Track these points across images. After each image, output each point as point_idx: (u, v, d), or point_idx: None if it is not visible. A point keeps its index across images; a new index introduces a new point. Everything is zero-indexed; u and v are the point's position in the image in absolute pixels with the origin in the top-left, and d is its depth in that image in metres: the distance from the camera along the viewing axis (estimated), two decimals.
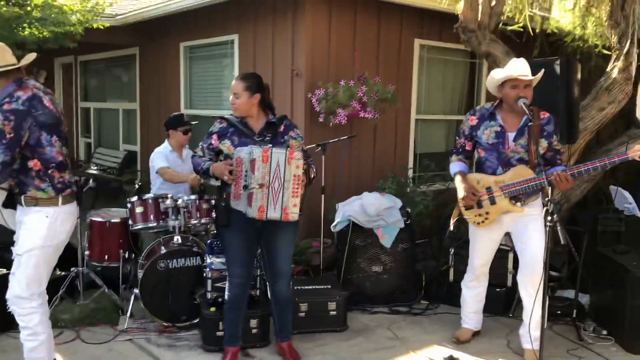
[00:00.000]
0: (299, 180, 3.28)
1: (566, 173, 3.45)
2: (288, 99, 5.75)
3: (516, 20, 5.95)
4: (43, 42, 6.44)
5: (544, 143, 3.63)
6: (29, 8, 6.36)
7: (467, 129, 3.81)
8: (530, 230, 3.67)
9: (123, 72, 9.19)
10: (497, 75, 3.66)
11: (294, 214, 3.30)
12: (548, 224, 3.02)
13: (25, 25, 6.24)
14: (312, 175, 3.49)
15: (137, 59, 8.55)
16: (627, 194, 5.26)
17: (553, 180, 3.42)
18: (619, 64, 5.06)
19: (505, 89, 3.61)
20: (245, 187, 3.27)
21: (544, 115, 3.65)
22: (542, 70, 3.71)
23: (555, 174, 3.43)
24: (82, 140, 10.45)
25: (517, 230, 3.76)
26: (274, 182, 3.25)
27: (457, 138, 3.93)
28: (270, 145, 3.31)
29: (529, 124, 3.49)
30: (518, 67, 3.60)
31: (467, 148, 3.85)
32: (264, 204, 3.25)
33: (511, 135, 3.65)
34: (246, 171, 3.27)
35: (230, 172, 3.28)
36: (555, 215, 2.99)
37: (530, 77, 3.58)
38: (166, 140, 4.97)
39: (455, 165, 3.85)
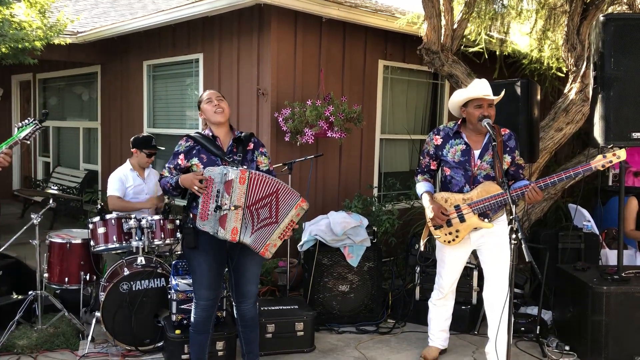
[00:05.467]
0: (292, 227, 3.33)
1: (535, 185, 3.53)
2: (254, 118, 5.74)
3: (476, 42, 6.11)
4: (1, 59, 6.29)
5: (507, 158, 3.71)
6: None
7: (432, 149, 3.85)
8: (497, 248, 3.73)
9: (84, 90, 9.03)
10: (460, 95, 3.73)
11: (270, 252, 3.31)
12: (513, 241, 3.06)
13: None
14: None
15: (98, 77, 8.42)
16: (585, 211, 5.40)
17: (527, 193, 3.50)
18: (576, 85, 5.22)
19: (469, 109, 3.68)
20: (218, 207, 3.17)
21: (505, 131, 3.75)
22: (504, 90, 3.81)
23: (530, 188, 3.52)
24: (40, 159, 10.18)
25: (484, 247, 3.80)
26: (262, 210, 3.23)
27: (421, 158, 3.97)
28: (245, 167, 3.28)
29: (493, 143, 3.53)
30: (481, 88, 3.67)
31: (432, 167, 3.90)
32: (238, 226, 3.19)
33: (476, 153, 3.71)
34: (218, 191, 3.18)
35: (200, 182, 3.21)
36: (520, 233, 3.03)
37: (492, 97, 3.66)
38: (128, 159, 4.88)
39: (422, 185, 3.88)
